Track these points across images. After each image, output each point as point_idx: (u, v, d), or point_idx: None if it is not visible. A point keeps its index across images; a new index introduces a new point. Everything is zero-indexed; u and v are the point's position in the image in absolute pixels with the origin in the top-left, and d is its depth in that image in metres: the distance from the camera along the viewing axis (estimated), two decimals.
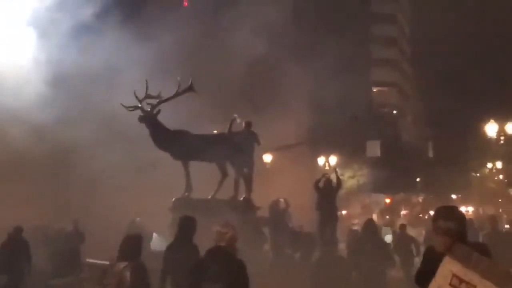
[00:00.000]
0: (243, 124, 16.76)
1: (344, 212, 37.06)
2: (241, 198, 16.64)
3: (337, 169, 18.14)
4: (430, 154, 53.33)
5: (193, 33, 24.12)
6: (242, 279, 6.82)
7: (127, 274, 7.67)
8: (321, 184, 16.24)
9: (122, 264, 7.75)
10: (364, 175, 50.44)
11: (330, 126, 50.49)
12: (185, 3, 36.31)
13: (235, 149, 16.29)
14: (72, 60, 20.29)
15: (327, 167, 47.24)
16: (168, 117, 16.35)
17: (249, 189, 16.71)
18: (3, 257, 13.15)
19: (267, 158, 41.11)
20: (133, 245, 7.99)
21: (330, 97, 53.30)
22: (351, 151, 48.71)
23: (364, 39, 69.55)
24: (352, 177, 50.08)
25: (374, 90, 71.14)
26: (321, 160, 46.49)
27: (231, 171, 16.63)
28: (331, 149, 47.01)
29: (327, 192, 16.16)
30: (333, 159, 46.90)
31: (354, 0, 64.18)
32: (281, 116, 44.55)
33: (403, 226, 16.93)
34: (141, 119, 16.06)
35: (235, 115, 16.68)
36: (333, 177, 16.80)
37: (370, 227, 11.74)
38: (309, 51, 51.05)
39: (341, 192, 47.77)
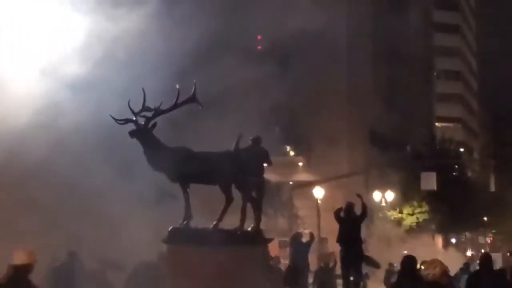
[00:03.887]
0: (250, 140, 14.31)
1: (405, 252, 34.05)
2: (249, 228, 14.11)
3: (361, 195, 15.32)
4: (492, 188, 50.02)
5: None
6: None
7: None
8: (342, 214, 13.63)
9: None
10: (424, 213, 47.50)
11: (388, 160, 48.20)
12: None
13: (242, 169, 13.81)
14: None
15: (383, 203, 44.69)
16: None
17: (258, 217, 14.18)
18: None
19: (318, 192, 38.85)
20: None
21: (389, 131, 51.25)
22: (410, 188, 46.08)
23: (428, 73, 67.20)
24: (411, 214, 47.14)
25: (438, 125, 68.49)
26: (376, 195, 43.76)
27: (237, 195, 14.13)
28: (388, 185, 44.47)
29: (350, 222, 13.51)
30: (390, 195, 44.27)
31: (418, 33, 61.95)
32: (335, 149, 42.77)
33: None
34: (132, 133, 13.76)
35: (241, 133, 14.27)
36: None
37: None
38: (368, 82, 49.19)
39: (400, 231, 45.38)
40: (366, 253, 23.34)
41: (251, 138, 14.38)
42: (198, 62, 20.23)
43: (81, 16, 17.82)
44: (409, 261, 9.57)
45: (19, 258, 8.50)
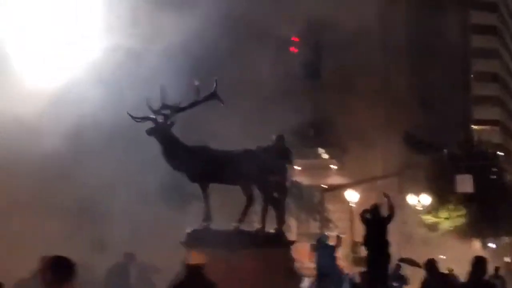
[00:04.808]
0: (274, 138, 13.74)
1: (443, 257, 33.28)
2: (272, 230, 13.54)
3: (388, 195, 14.60)
4: None
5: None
6: None
7: None
8: (368, 215, 12.98)
9: None
10: (461, 216, 46.39)
11: (423, 163, 47.21)
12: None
13: (264, 169, 13.25)
14: None
15: (418, 207, 43.75)
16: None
17: (281, 219, 13.62)
18: None
19: (351, 195, 38.16)
20: None
21: (425, 133, 50.30)
22: (446, 191, 45.04)
23: (464, 75, 66.09)
24: (448, 218, 46.07)
25: (475, 128, 67.19)
26: (411, 199, 42.83)
27: (258, 196, 13.59)
28: (423, 188, 43.56)
29: (376, 225, 12.86)
30: (425, 198, 43.32)
31: (455, 34, 60.87)
32: (368, 151, 42.03)
33: None
34: (150, 131, 13.25)
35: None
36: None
37: None
38: (404, 84, 48.35)
39: (435, 234, 44.38)
40: (401, 257, 22.70)
41: (273, 136, 13.82)
42: (225, 58, 19.77)
43: (102, 9, 17.48)
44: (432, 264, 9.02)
45: (195, 259, 9.67)
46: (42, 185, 18.63)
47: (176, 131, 13.40)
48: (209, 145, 13.61)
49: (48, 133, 16.88)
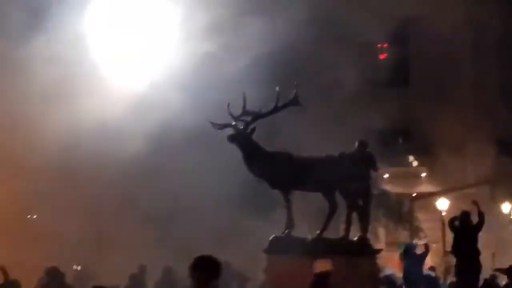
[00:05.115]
0: (356, 144, 13.38)
1: None
2: (355, 238, 13.17)
3: (477, 202, 13.95)
4: None
5: None
6: None
7: None
8: (457, 223, 12.44)
9: None
10: None
11: None
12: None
13: (347, 175, 12.91)
14: None
15: None
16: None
17: (365, 226, 13.22)
18: None
19: (442, 203, 37.13)
20: None
21: None
22: None
23: None
24: None
25: None
26: (505, 207, 41.32)
27: (341, 203, 13.24)
28: None
29: (466, 232, 12.31)
30: None
31: None
32: (460, 158, 40.87)
33: None
34: (232, 138, 13.12)
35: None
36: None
37: None
38: (495, 88, 46.86)
39: None
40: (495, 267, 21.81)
41: (357, 141, 13.46)
42: (308, 63, 19.53)
43: (180, 11, 17.56)
44: None
45: (322, 267, 9.79)
46: (126, 189, 18.84)
47: (257, 137, 13.23)
48: (290, 152, 13.38)
49: (131, 137, 17.02)
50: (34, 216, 21.13)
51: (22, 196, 18.33)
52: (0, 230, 17.66)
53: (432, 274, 15.84)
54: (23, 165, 17.82)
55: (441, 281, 22.63)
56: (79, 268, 19.54)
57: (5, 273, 13.27)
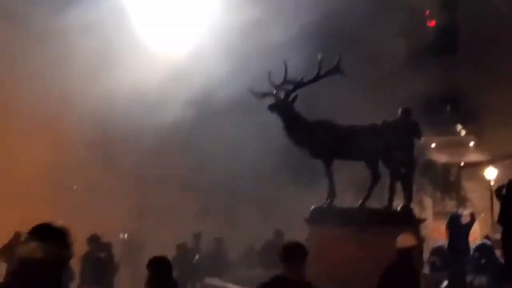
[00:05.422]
0: (399, 112, 13.11)
1: None
2: (399, 208, 12.95)
3: None
4: None
5: None
6: None
7: None
8: (504, 192, 12.13)
9: None
10: None
11: None
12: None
13: (390, 144, 12.68)
14: None
15: None
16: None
17: (408, 195, 13.01)
18: None
19: (491, 172, 36.48)
20: None
21: None
22: None
23: None
24: None
25: None
26: None
27: (384, 172, 13.02)
28: None
29: None
30: None
31: None
32: (509, 127, 40.03)
33: None
34: (273, 107, 12.97)
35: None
36: None
37: None
38: None
39: None
40: None
41: (400, 109, 13.19)
42: (352, 31, 19.18)
43: None
44: None
45: (406, 241, 9.25)
46: (166, 157, 18.84)
47: (298, 106, 13.07)
48: (332, 120, 13.19)
49: (172, 105, 16.96)
50: (74, 187, 21.32)
51: (63, 166, 18.52)
52: (45, 199, 17.93)
53: (488, 243, 15.46)
54: (62, 134, 17.98)
55: None
56: (125, 236, 19.70)
57: None
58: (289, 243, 6.22)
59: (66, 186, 20.03)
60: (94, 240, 14.25)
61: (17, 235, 14.77)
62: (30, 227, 3.94)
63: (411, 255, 9.08)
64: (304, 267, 5.99)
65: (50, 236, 4.03)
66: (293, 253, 6.03)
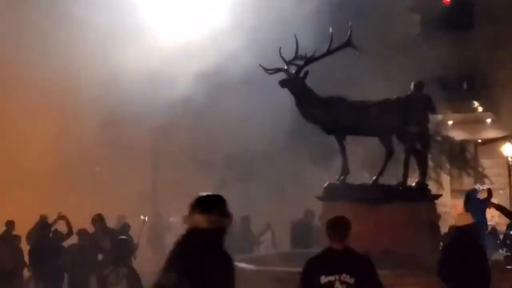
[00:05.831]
0: (412, 86, 12.87)
1: None
2: (413, 184, 12.75)
3: None
4: None
5: None
6: None
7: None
8: None
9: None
10: None
11: None
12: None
13: (404, 119, 12.46)
14: None
15: None
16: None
17: (423, 171, 12.81)
18: None
19: (509, 149, 36.14)
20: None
21: None
22: None
23: None
24: None
25: None
26: None
27: (398, 147, 12.81)
28: None
29: None
30: None
31: None
32: None
33: None
34: (284, 83, 12.77)
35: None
36: None
37: None
38: None
39: None
40: None
41: (413, 83, 12.94)
42: (364, 5, 18.90)
43: None
44: None
45: (463, 219, 9.27)
46: (178, 134, 18.71)
47: (310, 82, 12.85)
48: (345, 96, 12.98)
49: (183, 80, 16.78)
50: (97, 169, 21.28)
51: (77, 148, 18.47)
52: (64, 183, 17.99)
53: None
54: (74, 115, 17.92)
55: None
56: (146, 218, 19.72)
57: (68, 224, 13.54)
58: (335, 217, 6.77)
59: (83, 168, 19.97)
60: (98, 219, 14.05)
61: (42, 218, 14.76)
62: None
63: (470, 230, 9.05)
64: (349, 238, 6.65)
65: (211, 207, 4.70)
66: (338, 226, 6.67)
